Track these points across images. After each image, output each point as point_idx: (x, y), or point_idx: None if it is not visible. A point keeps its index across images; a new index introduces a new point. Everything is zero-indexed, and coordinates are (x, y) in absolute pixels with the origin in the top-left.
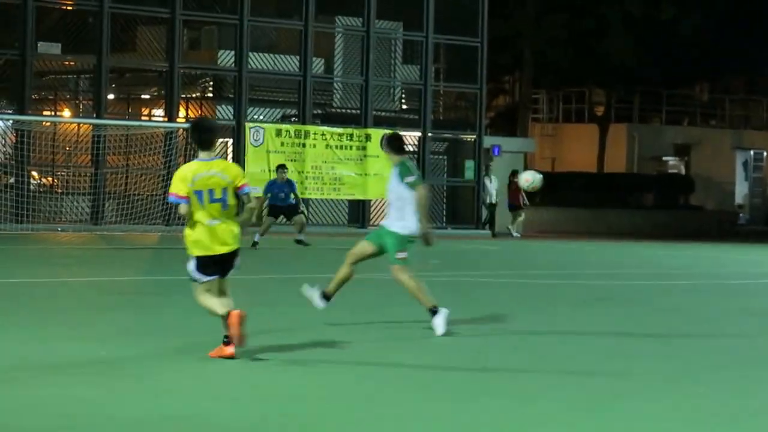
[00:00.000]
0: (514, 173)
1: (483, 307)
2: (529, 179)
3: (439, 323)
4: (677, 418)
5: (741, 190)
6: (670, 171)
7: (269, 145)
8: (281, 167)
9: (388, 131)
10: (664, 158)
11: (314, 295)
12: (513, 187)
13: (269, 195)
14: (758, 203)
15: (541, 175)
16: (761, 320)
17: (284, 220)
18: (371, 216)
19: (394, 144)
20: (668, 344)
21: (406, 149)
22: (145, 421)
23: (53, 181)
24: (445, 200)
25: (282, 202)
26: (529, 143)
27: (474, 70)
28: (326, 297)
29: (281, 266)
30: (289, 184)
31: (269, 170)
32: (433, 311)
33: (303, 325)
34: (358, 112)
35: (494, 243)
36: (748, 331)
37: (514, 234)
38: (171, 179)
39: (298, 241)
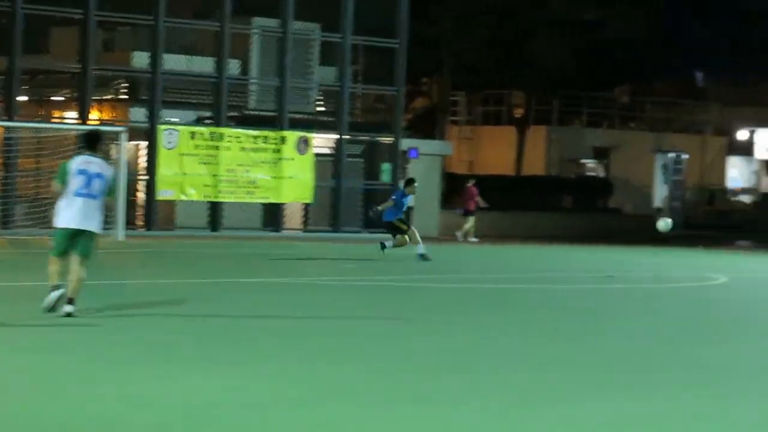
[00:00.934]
0: (467, 179)
1: (393, 310)
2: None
3: (49, 299)
4: (595, 424)
5: (660, 193)
6: (588, 173)
7: (183, 148)
8: (413, 181)
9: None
10: (583, 161)
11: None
12: (467, 194)
13: (395, 203)
14: (678, 206)
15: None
16: (675, 324)
17: None
18: (285, 219)
19: (84, 139)
20: (582, 348)
21: (101, 147)
22: (69, 426)
23: None
24: (362, 204)
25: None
26: (446, 146)
27: (392, 71)
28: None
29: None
30: None
31: (183, 173)
32: (55, 287)
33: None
34: (275, 114)
35: (411, 247)
36: (668, 335)
37: (471, 239)
38: None
39: (422, 256)
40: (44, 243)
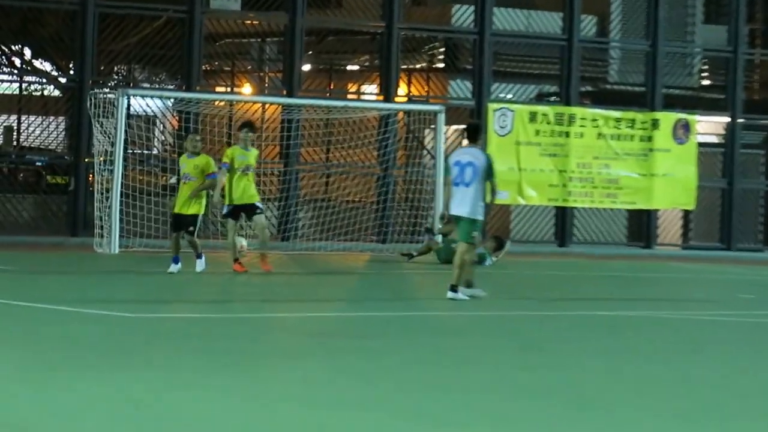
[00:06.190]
0: None
1: None
2: None
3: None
4: None
5: None
6: None
7: (520, 135)
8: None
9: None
10: None
11: None
12: None
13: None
14: None
15: None
16: None
17: None
18: (659, 232)
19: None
20: None
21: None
22: None
23: None
24: (762, 210)
25: None
26: None
27: None
28: None
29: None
30: None
31: (520, 169)
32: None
33: None
34: (643, 89)
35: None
36: None
37: None
38: (388, 180)
39: None
40: (334, 261)
